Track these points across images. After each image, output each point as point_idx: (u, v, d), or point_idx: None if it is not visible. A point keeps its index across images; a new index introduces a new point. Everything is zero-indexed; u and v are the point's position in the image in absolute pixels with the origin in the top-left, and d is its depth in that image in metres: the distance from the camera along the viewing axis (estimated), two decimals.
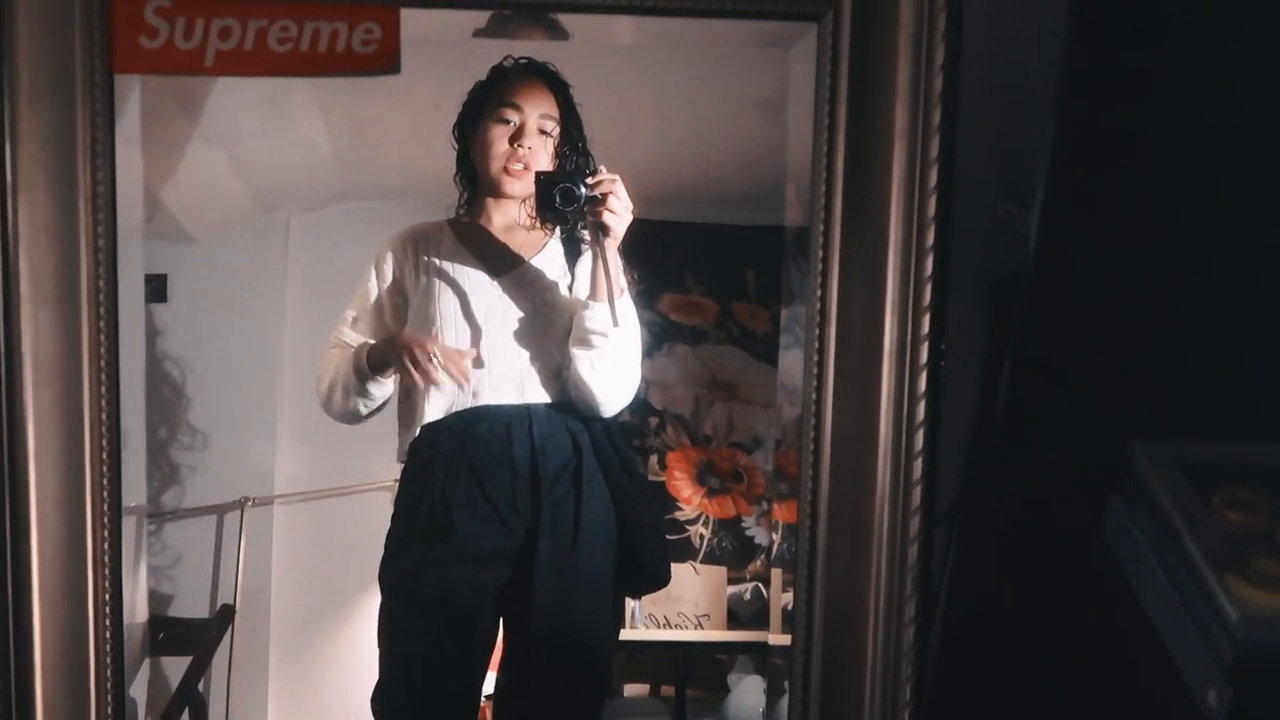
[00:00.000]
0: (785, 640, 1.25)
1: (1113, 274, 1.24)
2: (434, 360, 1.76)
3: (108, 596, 1.24)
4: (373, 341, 1.83)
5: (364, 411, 1.85)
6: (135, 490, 1.35)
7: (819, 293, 1.21)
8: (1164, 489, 1.17)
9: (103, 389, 1.21)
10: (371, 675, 1.84)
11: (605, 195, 1.68)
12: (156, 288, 2.03)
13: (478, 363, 1.78)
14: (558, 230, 1.83)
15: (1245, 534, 1.16)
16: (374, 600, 1.90)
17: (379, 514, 2.04)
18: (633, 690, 2.23)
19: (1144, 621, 1.20)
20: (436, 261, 1.83)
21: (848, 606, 1.22)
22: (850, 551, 1.21)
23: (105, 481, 1.22)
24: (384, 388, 1.83)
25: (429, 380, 1.78)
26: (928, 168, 1.23)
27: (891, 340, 1.20)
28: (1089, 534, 1.25)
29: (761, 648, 2.15)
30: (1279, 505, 1.19)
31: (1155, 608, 1.19)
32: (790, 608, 1.38)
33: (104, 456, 1.22)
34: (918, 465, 1.20)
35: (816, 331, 1.21)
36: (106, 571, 1.24)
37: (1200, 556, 1.13)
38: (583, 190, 1.70)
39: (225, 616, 2.01)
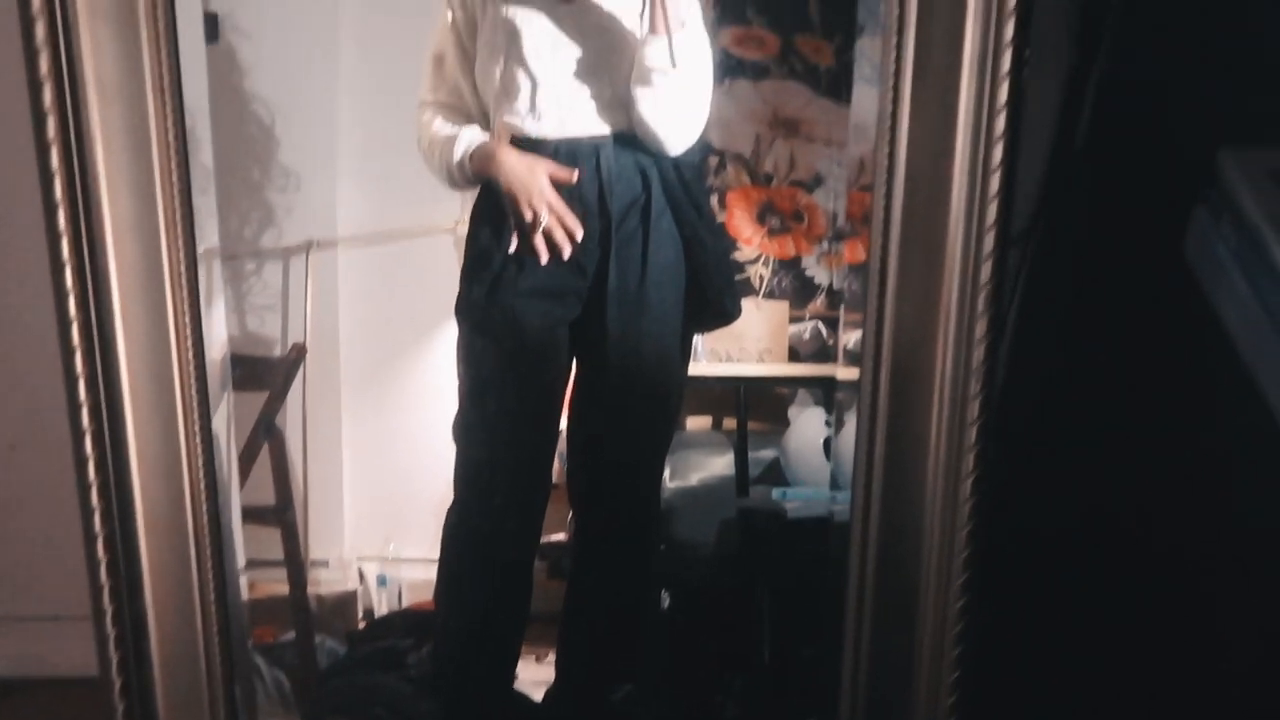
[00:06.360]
0: (853, 374, 1.25)
1: None
2: (541, 218, 1.76)
3: (189, 326, 1.25)
4: (467, 151, 1.80)
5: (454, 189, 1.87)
6: (207, 230, 1.35)
7: None
8: (1252, 198, 1.13)
9: (168, 109, 1.19)
10: (442, 408, 1.89)
11: None
12: (208, 27, 1.99)
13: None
14: None
15: None
16: (442, 338, 1.94)
17: (444, 255, 2.06)
18: (695, 423, 2.28)
19: (1224, 338, 1.18)
20: None
21: (918, 328, 1.21)
22: (923, 270, 1.19)
23: (177, 205, 1.21)
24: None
25: (533, 249, 1.77)
26: None
27: (973, 47, 1.15)
28: (1170, 250, 1.22)
29: (824, 383, 2.18)
30: None
31: (1237, 324, 1.17)
32: (851, 346, 1.38)
33: (173, 180, 1.21)
34: (995, 180, 1.16)
35: (894, 39, 1.15)
36: (185, 301, 1.24)
37: None
38: None
39: (298, 354, 2.06)
